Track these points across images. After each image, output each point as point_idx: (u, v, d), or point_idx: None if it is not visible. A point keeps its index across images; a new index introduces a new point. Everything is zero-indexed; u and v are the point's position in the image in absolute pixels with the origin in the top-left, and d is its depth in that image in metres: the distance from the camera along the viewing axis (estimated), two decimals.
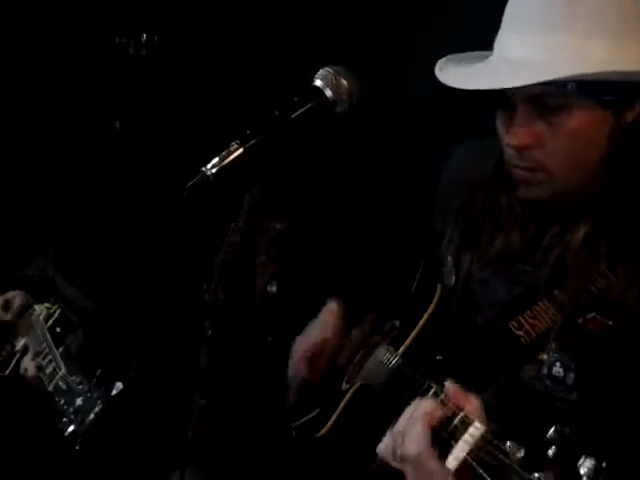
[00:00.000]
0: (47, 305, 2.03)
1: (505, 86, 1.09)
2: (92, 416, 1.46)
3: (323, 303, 1.35)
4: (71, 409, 1.51)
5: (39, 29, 2.25)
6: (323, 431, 1.29)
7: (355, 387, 1.30)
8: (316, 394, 1.35)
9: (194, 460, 1.19)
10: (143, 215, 2.12)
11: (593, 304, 1.11)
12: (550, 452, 0.77)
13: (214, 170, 1.10)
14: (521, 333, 1.15)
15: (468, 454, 0.86)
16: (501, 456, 0.82)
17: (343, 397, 1.30)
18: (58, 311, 1.99)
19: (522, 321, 1.16)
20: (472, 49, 1.24)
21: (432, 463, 0.88)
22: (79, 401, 1.51)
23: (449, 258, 1.31)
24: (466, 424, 0.89)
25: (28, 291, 2.02)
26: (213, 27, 2.30)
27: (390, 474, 0.99)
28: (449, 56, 1.22)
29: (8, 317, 1.90)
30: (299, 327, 1.32)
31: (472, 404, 0.94)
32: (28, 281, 2.06)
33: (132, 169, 2.23)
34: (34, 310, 1.95)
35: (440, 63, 1.22)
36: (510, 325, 1.16)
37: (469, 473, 0.84)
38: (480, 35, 1.21)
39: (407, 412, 0.93)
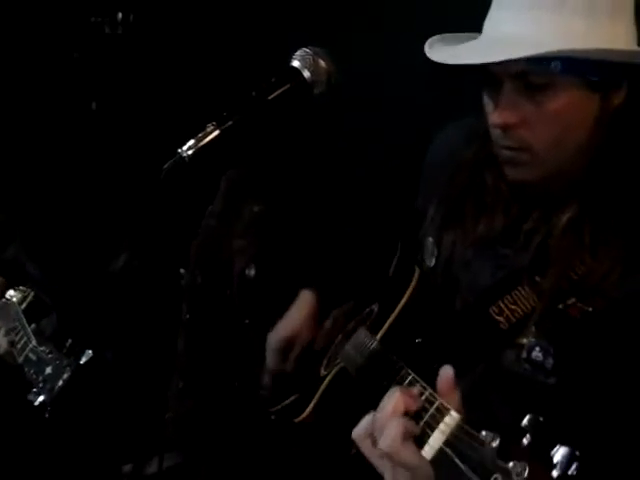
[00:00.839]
0: (22, 288, 2.02)
1: (487, 60, 1.08)
2: (60, 383, 1.44)
3: (300, 286, 1.35)
4: (40, 378, 1.49)
5: (13, 10, 2.19)
6: (302, 416, 1.28)
7: (334, 372, 1.29)
8: (293, 380, 1.35)
9: (173, 441, 1.19)
10: (119, 197, 2.10)
11: (573, 290, 1.10)
12: (525, 441, 0.78)
13: (190, 152, 1.08)
14: (501, 319, 1.15)
15: (444, 443, 0.86)
16: (476, 445, 0.82)
17: (322, 382, 1.30)
18: (32, 294, 1.98)
19: (502, 306, 1.15)
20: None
21: (408, 455, 0.88)
22: (48, 370, 1.49)
23: (430, 239, 1.30)
24: (442, 413, 0.89)
25: (3, 275, 2.01)
26: (189, 5, 2.26)
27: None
28: (439, 35, 1.21)
29: None
30: (276, 310, 1.31)
31: (452, 394, 0.93)
32: (3, 266, 2.05)
33: (108, 150, 2.20)
34: (8, 293, 1.95)
35: (430, 41, 1.20)
36: (490, 310, 1.15)
37: (446, 461, 0.85)
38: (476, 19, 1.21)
39: (382, 404, 0.93)
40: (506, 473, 0.77)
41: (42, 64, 2.24)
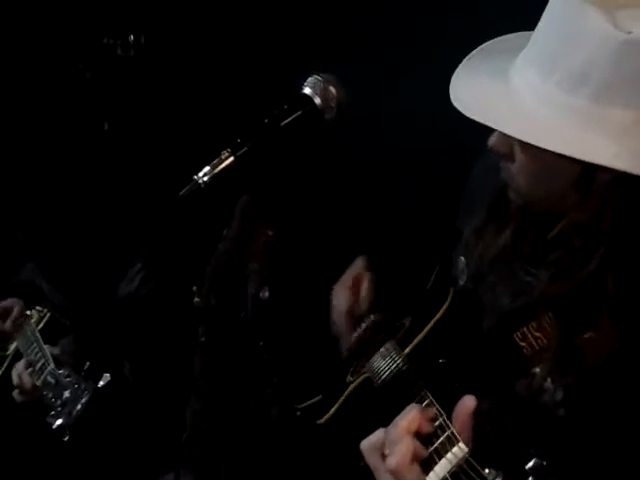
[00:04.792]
0: (38, 309, 2.04)
1: (482, 121, 1.07)
2: (79, 407, 1.47)
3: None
4: (59, 402, 1.52)
5: (27, 31, 2.24)
6: (324, 419, 1.31)
7: (358, 381, 1.32)
8: (321, 380, 1.38)
9: (189, 462, 1.22)
10: (133, 219, 2.13)
11: (592, 324, 1.10)
12: None
13: (206, 178, 1.12)
14: (524, 345, 1.15)
15: (449, 473, 0.87)
16: (473, 473, 0.84)
17: (346, 389, 1.32)
18: (48, 315, 2.01)
19: (526, 332, 1.15)
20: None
21: (413, 477, 0.89)
22: (67, 393, 1.52)
23: (462, 258, 1.32)
24: (452, 443, 0.90)
25: (20, 297, 2.04)
26: (201, 28, 2.31)
27: None
28: (488, 44, 1.20)
29: (7, 326, 1.92)
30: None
31: (466, 425, 0.94)
32: (19, 288, 2.07)
33: (120, 171, 2.24)
34: (27, 315, 1.97)
35: (470, 56, 1.20)
36: (515, 336, 1.16)
37: None
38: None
39: (397, 420, 0.94)
40: None
41: (54, 84, 2.29)
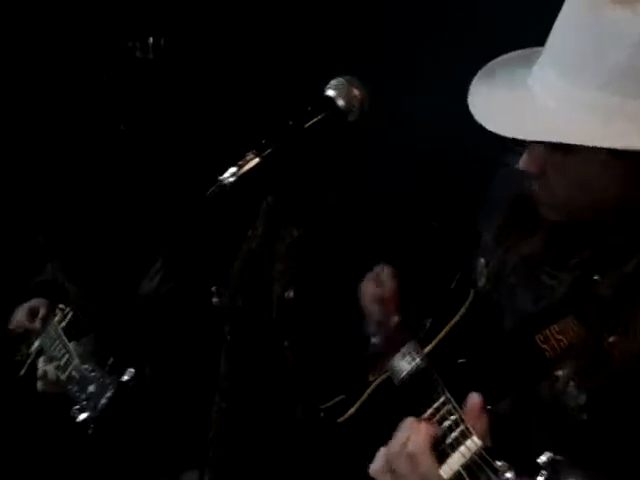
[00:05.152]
0: (61, 307, 2.07)
1: (514, 136, 1.09)
2: (104, 401, 1.50)
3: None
4: (84, 396, 1.55)
5: (46, 33, 2.27)
6: (345, 417, 1.33)
7: (379, 380, 1.33)
8: (345, 379, 1.39)
9: (214, 461, 1.23)
10: (153, 219, 2.15)
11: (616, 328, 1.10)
12: (539, 478, 0.81)
13: (231, 179, 1.13)
14: (546, 347, 1.15)
15: (462, 466, 0.89)
16: (491, 474, 0.85)
17: (368, 387, 1.34)
18: (71, 314, 2.03)
19: (548, 335, 1.15)
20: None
21: (429, 463, 0.91)
22: (91, 388, 1.54)
23: (482, 260, 1.34)
24: (465, 437, 0.92)
25: (43, 297, 2.06)
26: (223, 30, 2.32)
27: None
28: (503, 57, 1.21)
29: (36, 325, 1.95)
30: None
31: (479, 420, 0.96)
32: (41, 287, 2.10)
33: (139, 172, 2.26)
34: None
35: (486, 69, 1.21)
36: (536, 338, 1.16)
37: None
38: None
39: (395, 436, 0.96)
40: None
41: (73, 86, 2.31)
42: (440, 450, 0.93)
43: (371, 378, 1.36)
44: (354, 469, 1.30)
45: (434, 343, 1.29)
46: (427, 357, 1.22)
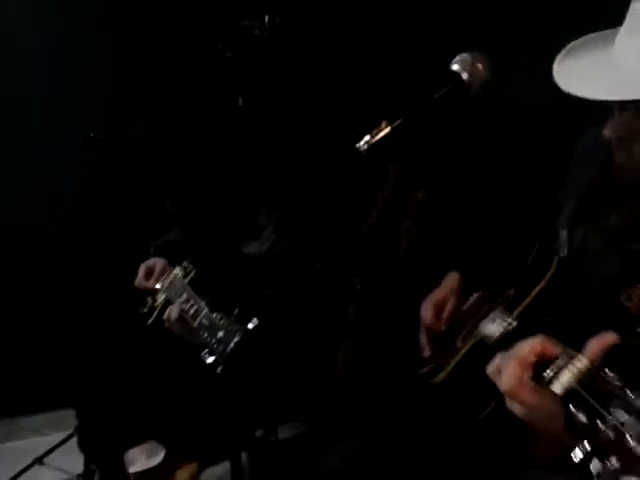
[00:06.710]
0: (185, 265, 2.21)
1: (609, 98, 1.15)
2: (232, 345, 1.60)
3: (449, 268, 1.51)
4: (213, 340, 1.65)
5: (176, 17, 2.45)
6: (439, 378, 1.43)
7: (470, 344, 1.42)
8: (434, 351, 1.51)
9: (342, 398, 1.37)
10: (265, 187, 2.30)
11: None
12: None
13: (366, 146, 1.26)
14: (630, 304, 1.21)
15: (573, 380, 0.88)
16: (604, 382, 0.84)
17: (458, 352, 1.43)
18: (194, 271, 2.17)
19: (631, 293, 1.21)
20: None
21: (527, 394, 0.91)
22: (220, 334, 1.65)
23: (564, 232, 1.40)
24: (571, 358, 0.91)
25: (167, 256, 2.22)
26: (341, 7, 2.42)
27: (497, 422, 1.11)
28: (580, 40, 1.29)
29: (151, 284, 2.08)
30: (432, 283, 1.49)
31: (594, 353, 0.93)
32: (168, 247, 2.27)
33: (256, 143, 2.41)
34: (172, 271, 2.15)
35: (565, 50, 1.29)
36: (620, 297, 1.22)
37: (577, 397, 0.86)
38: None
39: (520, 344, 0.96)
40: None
41: (198, 63, 2.48)
42: (544, 375, 0.91)
43: (460, 345, 1.45)
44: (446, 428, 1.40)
45: (522, 306, 1.36)
46: (517, 318, 1.30)
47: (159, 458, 1.95)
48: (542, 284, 1.38)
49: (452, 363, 1.44)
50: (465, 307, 1.52)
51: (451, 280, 1.53)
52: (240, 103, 2.47)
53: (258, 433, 2.07)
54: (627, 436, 0.79)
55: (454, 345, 1.47)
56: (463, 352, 1.43)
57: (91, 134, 2.33)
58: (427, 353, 1.44)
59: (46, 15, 2.60)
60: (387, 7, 2.36)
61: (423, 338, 1.48)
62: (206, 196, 2.30)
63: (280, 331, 1.84)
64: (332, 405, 1.45)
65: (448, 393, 1.42)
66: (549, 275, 1.39)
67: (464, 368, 1.42)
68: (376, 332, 1.35)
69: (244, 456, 2.13)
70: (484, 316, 1.43)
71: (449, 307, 1.49)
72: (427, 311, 1.49)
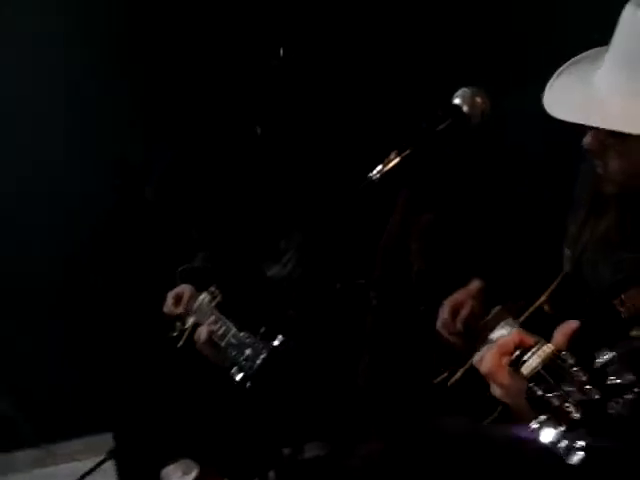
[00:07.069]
0: (211, 290, 2.30)
1: (578, 121, 1.22)
2: (259, 361, 1.68)
3: (469, 277, 1.62)
4: (241, 358, 1.74)
5: (194, 49, 2.56)
6: (452, 380, 1.53)
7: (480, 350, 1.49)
8: (449, 358, 1.61)
9: (361, 406, 1.47)
10: (287, 212, 2.40)
11: None
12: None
13: (378, 175, 1.39)
14: (622, 309, 1.28)
15: (539, 363, 0.97)
16: (562, 363, 0.94)
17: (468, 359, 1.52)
18: (220, 296, 2.27)
19: (624, 299, 1.28)
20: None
21: (502, 376, 1.03)
22: (248, 351, 1.74)
23: (567, 251, 1.51)
24: (541, 345, 1.01)
25: (194, 282, 2.27)
26: (352, 39, 2.54)
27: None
28: (576, 58, 1.36)
29: (180, 310, 2.17)
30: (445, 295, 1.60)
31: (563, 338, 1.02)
32: (193, 273, 2.34)
33: (275, 172, 2.52)
34: (199, 296, 2.21)
35: (554, 77, 1.36)
36: (614, 302, 1.29)
37: (540, 378, 0.96)
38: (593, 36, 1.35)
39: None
40: None
41: (217, 92, 2.58)
42: (519, 361, 1.02)
43: (473, 353, 1.52)
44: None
45: (527, 314, 1.47)
46: (522, 325, 1.41)
47: (194, 474, 2.05)
48: (545, 295, 1.50)
49: (462, 370, 1.54)
50: (484, 320, 1.61)
51: (473, 285, 1.64)
52: (258, 132, 2.58)
53: (285, 451, 2.16)
54: (567, 404, 0.89)
55: (470, 354, 1.55)
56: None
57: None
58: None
59: (67, 46, 2.64)
60: (396, 40, 2.49)
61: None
62: (230, 222, 2.36)
63: (304, 349, 1.94)
64: (353, 418, 1.55)
65: (457, 398, 1.53)
66: (552, 287, 1.50)
67: (473, 374, 1.52)
68: (392, 344, 1.46)
69: (271, 474, 2.21)
70: (496, 326, 1.54)
71: (466, 309, 1.59)
72: (444, 311, 1.60)
